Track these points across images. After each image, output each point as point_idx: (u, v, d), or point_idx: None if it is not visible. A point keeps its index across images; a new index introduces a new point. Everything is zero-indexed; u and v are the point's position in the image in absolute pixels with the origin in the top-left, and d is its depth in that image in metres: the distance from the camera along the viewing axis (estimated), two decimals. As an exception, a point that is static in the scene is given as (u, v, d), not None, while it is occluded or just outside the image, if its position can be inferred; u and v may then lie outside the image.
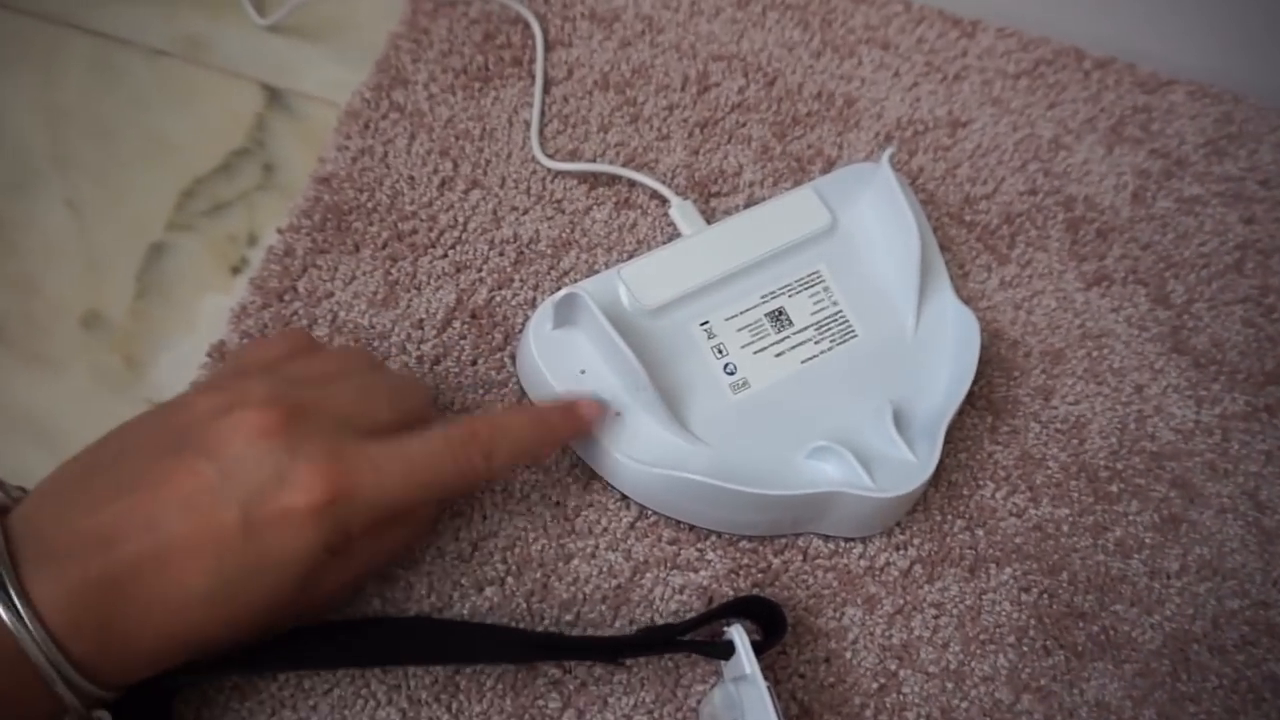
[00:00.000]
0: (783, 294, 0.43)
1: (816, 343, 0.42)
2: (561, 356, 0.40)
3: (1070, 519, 0.43)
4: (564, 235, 0.47)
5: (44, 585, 0.28)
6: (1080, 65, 0.56)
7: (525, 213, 0.47)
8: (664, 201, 0.47)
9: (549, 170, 0.48)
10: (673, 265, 0.42)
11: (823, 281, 0.43)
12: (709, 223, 0.46)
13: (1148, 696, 0.39)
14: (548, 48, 0.52)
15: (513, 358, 0.43)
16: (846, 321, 0.43)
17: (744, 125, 0.51)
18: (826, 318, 0.43)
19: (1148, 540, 0.43)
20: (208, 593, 0.29)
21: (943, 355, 0.43)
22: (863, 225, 0.45)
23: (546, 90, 0.51)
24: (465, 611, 0.38)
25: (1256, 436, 0.46)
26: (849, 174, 0.46)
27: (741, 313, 0.42)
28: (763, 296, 0.43)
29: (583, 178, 0.48)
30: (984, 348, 0.46)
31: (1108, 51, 0.57)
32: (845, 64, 0.54)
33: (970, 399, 0.45)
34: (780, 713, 0.33)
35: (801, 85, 0.53)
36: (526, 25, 0.53)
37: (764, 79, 0.53)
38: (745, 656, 0.34)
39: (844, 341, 0.42)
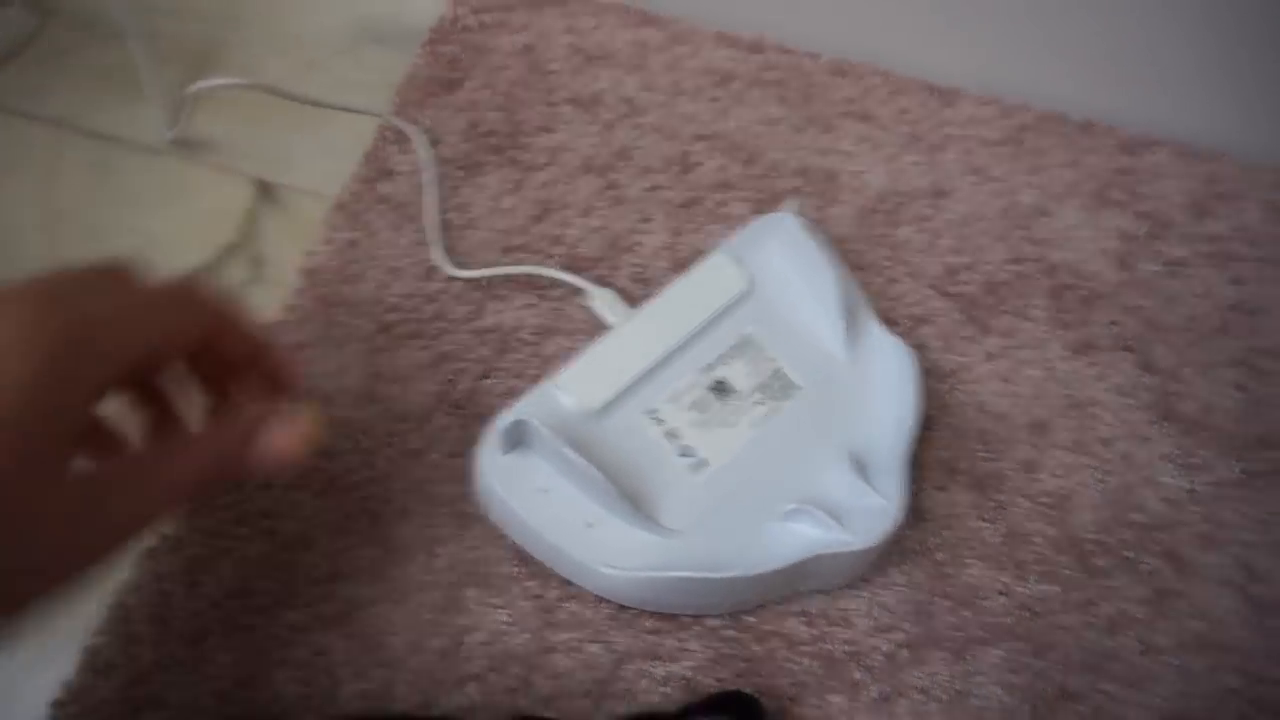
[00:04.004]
0: (720, 364, 0.43)
1: (762, 404, 0.43)
2: (519, 480, 0.40)
3: (1059, 596, 0.42)
4: (546, 322, 0.47)
5: None
6: (1062, 130, 0.56)
7: (508, 300, 0.48)
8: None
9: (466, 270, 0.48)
10: (606, 361, 0.42)
11: (755, 343, 0.44)
12: (633, 307, 0.47)
13: (1142, 780, 0.39)
14: (531, 133, 0.53)
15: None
16: (786, 377, 0.43)
17: (726, 204, 0.52)
18: (767, 377, 0.43)
19: (1139, 615, 0.42)
20: None
21: (885, 389, 0.43)
22: (780, 277, 0.46)
23: (529, 175, 0.52)
24: (449, 708, 0.38)
25: (1249, 504, 0.45)
26: (757, 228, 0.47)
27: (684, 392, 0.42)
28: (701, 371, 0.43)
29: (564, 263, 0.49)
30: (968, 421, 0.46)
31: (1089, 115, 0.57)
32: (826, 138, 0.55)
33: (954, 474, 0.45)
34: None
35: (783, 161, 0.54)
36: (510, 112, 0.54)
37: (745, 157, 0.54)
38: (720, 755, 0.34)
39: (788, 397, 0.43)
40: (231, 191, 0.52)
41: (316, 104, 0.52)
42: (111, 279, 0.30)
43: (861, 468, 0.40)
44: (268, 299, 0.48)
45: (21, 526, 0.26)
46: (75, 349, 0.27)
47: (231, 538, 0.40)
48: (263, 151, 0.53)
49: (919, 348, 0.48)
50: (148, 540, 0.40)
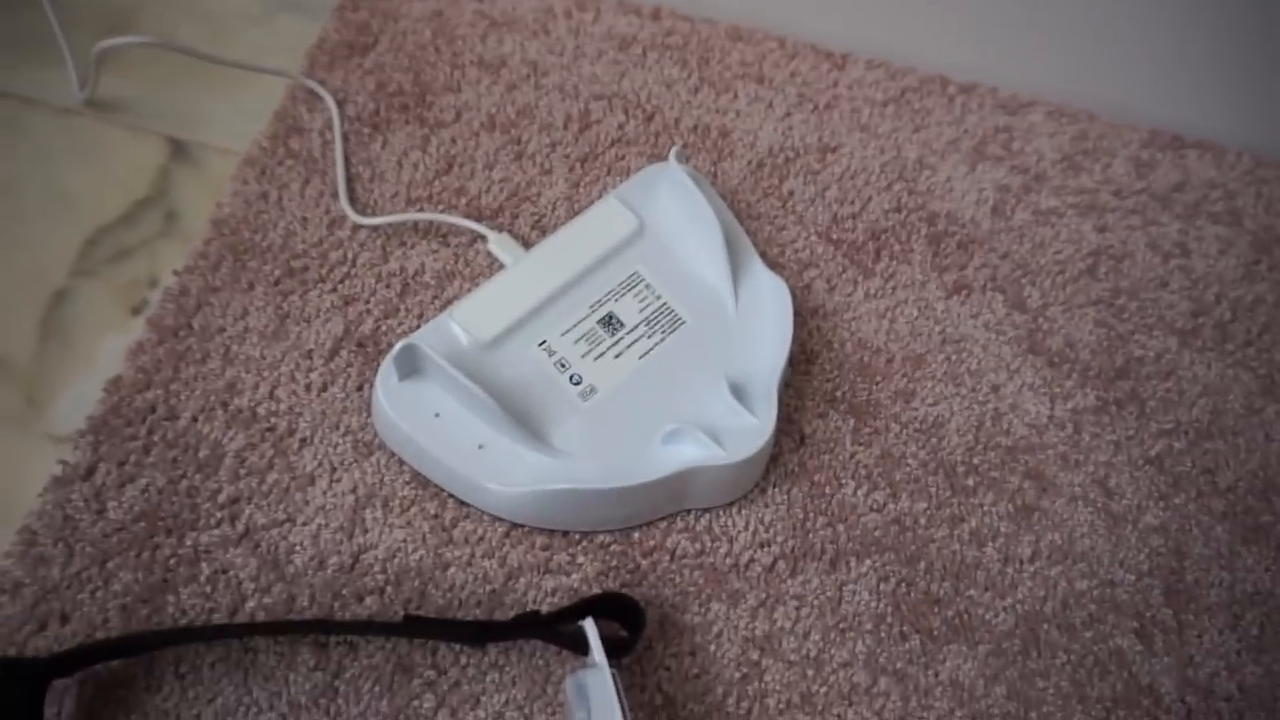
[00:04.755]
0: (609, 300, 0.46)
1: (649, 337, 0.45)
2: (414, 406, 0.42)
3: (928, 512, 0.45)
4: (448, 267, 0.49)
5: None
6: (945, 91, 0.60)
7: (412, 247, 0.50)
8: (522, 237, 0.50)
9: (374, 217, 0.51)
10: (500, 296, 0.45)
11: (643, 280, 0.46)
12: (528, 249, 0.49)
13: (999, 674, 0.42)
14: (437, 93, 0.55)
15: (397, 382, 0.45)
16: (673, 312, 0.46)
17: (623, 158, 0.54)
18: (654, 312, 0.46)
19: (1002, 529, 0.45)
20: None
21: (764, 323, 0.46)
22: (667, 220, 0.48)
23: (435, 132, 0.54)
24: (347, 618, 0.40)
25: (1106, 428, 0.48)
26: (645, 176, 0.50)
27: (575, 325, 0.45)
28: (591, 306, 0.46)
29: (467, 213, 0.51)
30: (848, 355, 0.49)
31: (971, 77, 0.60)
32: (721, 98, 0.58)
33: (834, 403, 0.47)
34: (623, 699, 0.35)
35: (679, 120, 0.56)
36: (418, 74, 0.56)
37: (643, 115, 0.56)
38: (594, 647, 0.36)
39: (674, 330, 0.46)
40: (144, 149, 0.54)
41: (228, 63, 0.54)
42: None
43: (739, 392, 0.43)
44: (181, 250, 0.50)
45: None
46: None
47: (139, 466, 0.42)
48: (175, 111, 0.55)
49: (804, 289, 0.51)
50: (54, 470, 0.42)
